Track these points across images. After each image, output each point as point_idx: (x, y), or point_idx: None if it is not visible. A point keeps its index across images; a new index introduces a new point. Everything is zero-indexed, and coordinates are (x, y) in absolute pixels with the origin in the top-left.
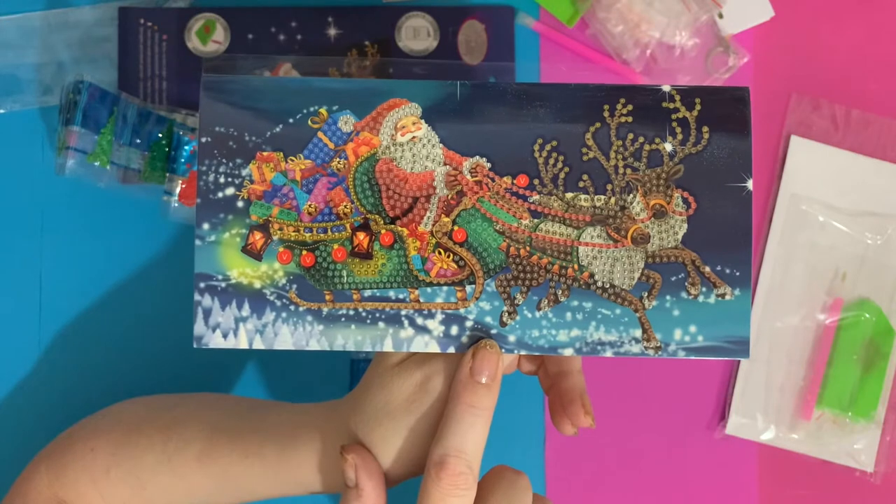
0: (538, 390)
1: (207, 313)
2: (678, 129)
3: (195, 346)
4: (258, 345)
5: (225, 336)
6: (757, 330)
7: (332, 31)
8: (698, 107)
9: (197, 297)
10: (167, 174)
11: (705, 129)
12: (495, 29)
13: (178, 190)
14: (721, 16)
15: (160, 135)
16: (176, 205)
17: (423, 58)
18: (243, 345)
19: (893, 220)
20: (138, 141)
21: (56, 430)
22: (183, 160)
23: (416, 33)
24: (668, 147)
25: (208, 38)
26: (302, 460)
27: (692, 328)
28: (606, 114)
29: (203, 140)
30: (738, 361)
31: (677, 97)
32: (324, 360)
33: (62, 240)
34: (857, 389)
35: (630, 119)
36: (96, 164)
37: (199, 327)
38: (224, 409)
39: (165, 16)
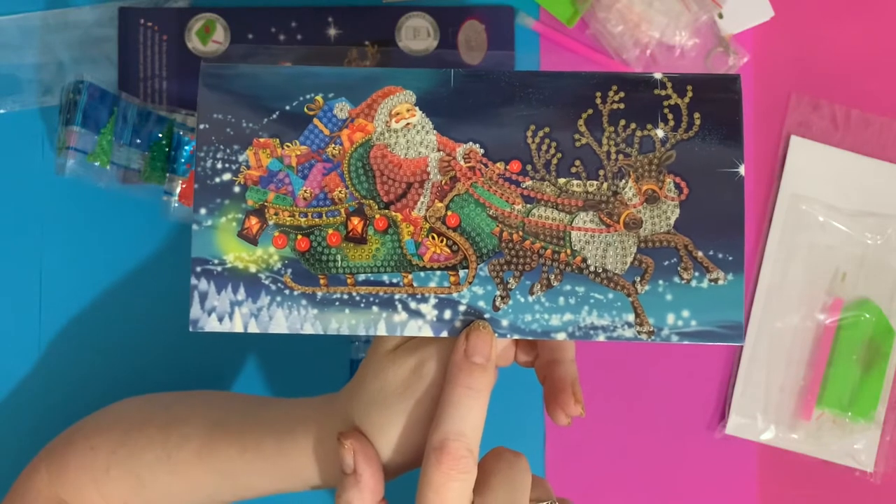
0: (538, 388)
1: (203, 297)
2: (670, 116)
3: (191, 329)
4: (253, 328)
5: (220, 320)
6: (757, 330)
7: (332, 31)
8: (690, 94)
9: (193, 281)
10: (167, 174)
11: (697, 115)
12: (495, 29)
13: (178, 190)
14: (721, 16)
15: (160, 135)
16: (176, 205)
17: (423, 57)
18: (238, 328)
19: (893, 220)
20: (138, 141)
21: (56, 429)
22: (183, 160)
23: (416, 33)
24: (660, 133)
25: (208, 38)
26: (300, 453)
27: (685, 313)
28: (598, 100)
29: (201, 127)
30: (738, 360)
31: (669, 84)
32: (324, 360)
33: (62, 240)
34: (857, 389)
35: (622, 106)
36: (96, 164)
37: (195, 311)
38: (223, 406)
39: (165, 16)
